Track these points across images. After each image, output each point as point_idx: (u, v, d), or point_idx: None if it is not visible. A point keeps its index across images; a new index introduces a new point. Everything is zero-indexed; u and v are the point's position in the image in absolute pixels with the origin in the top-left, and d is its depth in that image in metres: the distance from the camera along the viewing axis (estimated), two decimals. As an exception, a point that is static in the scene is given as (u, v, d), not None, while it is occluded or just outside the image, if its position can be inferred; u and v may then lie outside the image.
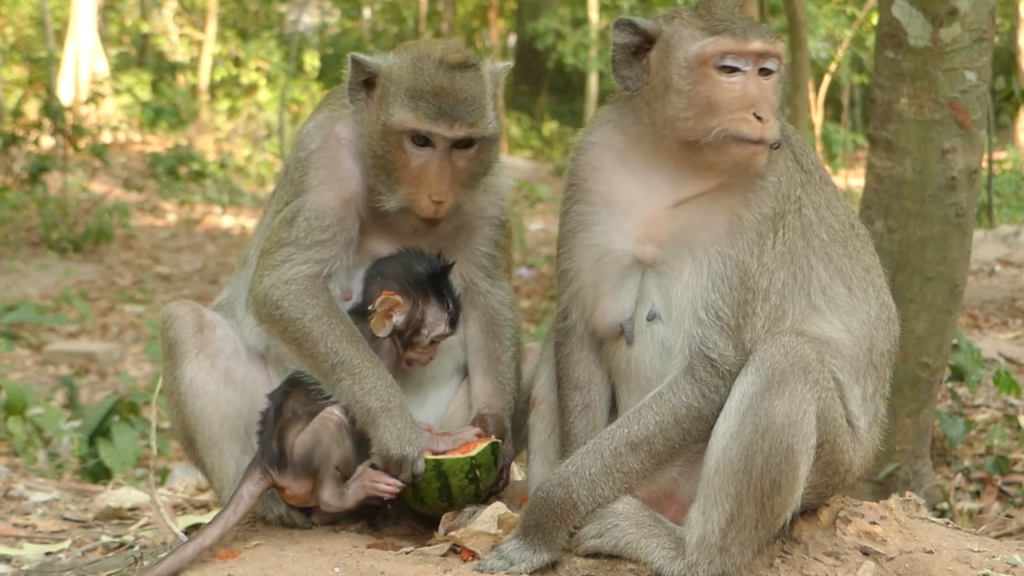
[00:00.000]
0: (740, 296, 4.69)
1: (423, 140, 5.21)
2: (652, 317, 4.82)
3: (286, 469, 5.04)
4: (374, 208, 5.37)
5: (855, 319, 4.90)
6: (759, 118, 4.61)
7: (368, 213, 5.40)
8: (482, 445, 5.14)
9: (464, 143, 5.25)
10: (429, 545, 5.00)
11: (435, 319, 5.26)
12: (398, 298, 5.17)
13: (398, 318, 5.20)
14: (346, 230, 5.36)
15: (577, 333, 5.11)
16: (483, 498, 5.19)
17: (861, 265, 4.98)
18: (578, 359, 5.11)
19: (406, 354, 5.29)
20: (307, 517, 5.30)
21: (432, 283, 5.26)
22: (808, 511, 4.89)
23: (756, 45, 4.66)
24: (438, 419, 5.54)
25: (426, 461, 5.03)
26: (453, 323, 5.30)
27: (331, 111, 5.57)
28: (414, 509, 5.26)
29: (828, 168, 5.22)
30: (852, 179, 28.62)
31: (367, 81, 5.34)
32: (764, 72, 4.70)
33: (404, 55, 5.31)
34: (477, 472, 5.08)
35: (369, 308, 5.19)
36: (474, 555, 4.87)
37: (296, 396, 5.13)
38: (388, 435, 4.99)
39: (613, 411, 5.12)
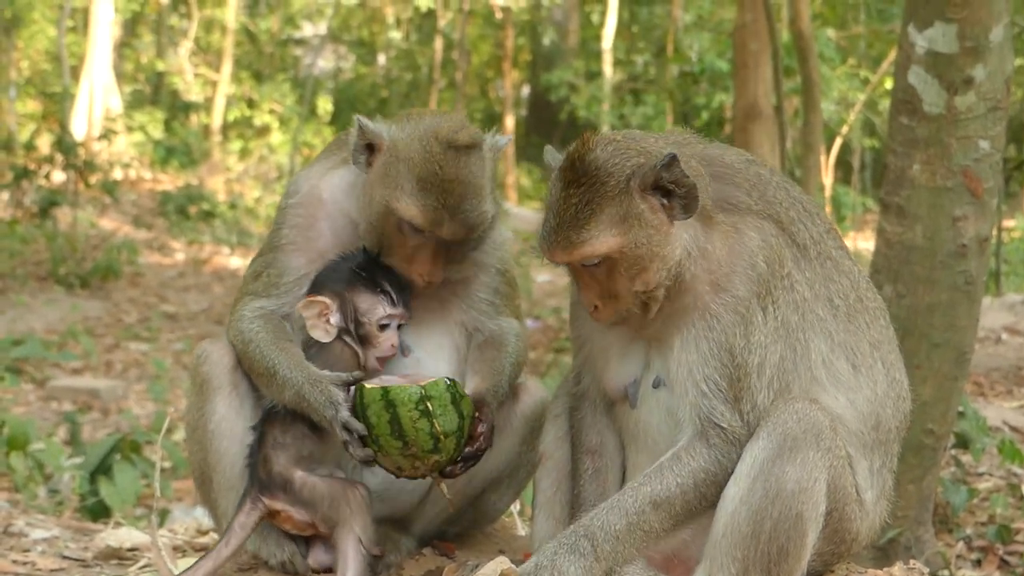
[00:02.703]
0: (732, 372, 4.66)
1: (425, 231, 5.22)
2: (658, 384, 4.81)
3: (278, 493, 5.03)
4: None
5: (860, 396, 4.86)
6: None
7: None
8: (435, 378, 5.03)
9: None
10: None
11: (369, 305, 5.20)
12: (322, 299, 5.17)
13: (333, 318, 5.18)
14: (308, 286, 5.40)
15: (590, 398, 5.09)
16: (446, 455, 5.00)
17: (868, 341, 4.92)
18: (591, 423, 5.09)
19: (368, 353, 5.24)
20: (304, 559, 5.26)
21: (357, 274, 5.23)
22: (812, 575, 4.87)
23: None
24: None
25: (373, 391, 4.94)
26: (395, 302, 5.24)
27: (325, 164, 5.61)
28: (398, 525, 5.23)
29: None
30: (861, 241, 28.64)
31: (370, 145, 5.33)
32: None
33: (409, 128, 5.28)
34: (428, 404, 4.90)
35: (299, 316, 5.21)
36: (475, 608, 4.86)
37: (272, 424, 5.13)
38: (314, 413, 5.04)
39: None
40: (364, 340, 5.24)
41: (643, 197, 4.62)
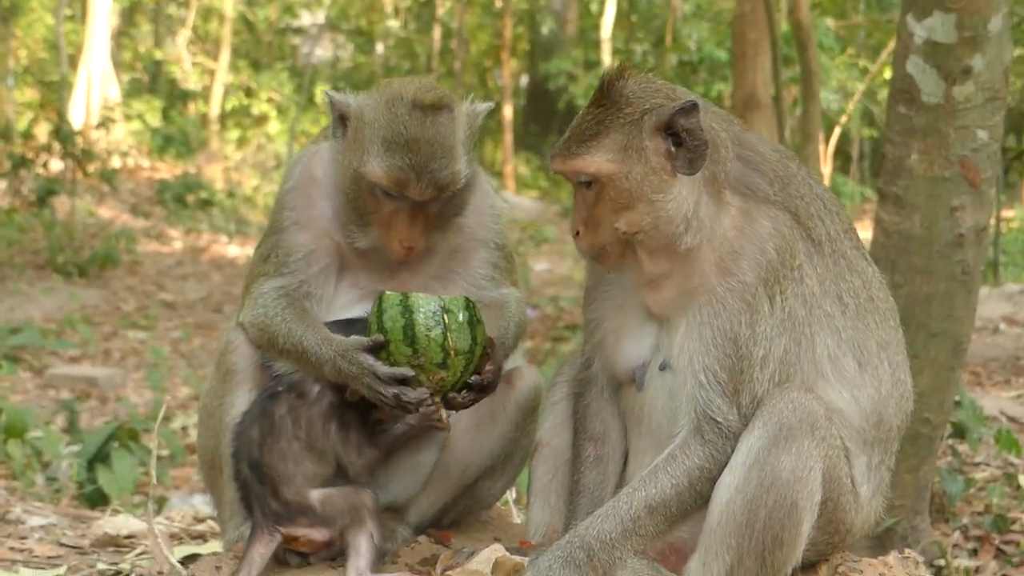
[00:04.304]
0: (734, 363, 4.65)
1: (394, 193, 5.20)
2: (664, 367, 4.80)
3: (299, 519, 4.98)
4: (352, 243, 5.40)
5: (864, 393, 4.84)
6: None
7: (348, 247, 5.41)
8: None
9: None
10: (427, 585, 4.99)
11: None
12: None
13: None
14: (317, 262, 5.40)
15: (598, 384, 5.09)
16: (453, 376, 4.98)
17: (875, 340, 4.90)
18: (596, 410, 5.09)
19: (374, 414, 5.16)
20: (304, 557, 5.24)
21: None
22: (806, 565, 4.87)
23: None
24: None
25: (393, 295, 4.96)
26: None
27: (314, 146, 5.61)
28: None
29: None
30: (858, 231, 28.58)
31: (343, 117, 5.33)
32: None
33: (376, 95, 5.29)
34: (445, 317, 4.92)
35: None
36: (470, 597, 4.86)
37: (269, 455, 5.02)
38: (352, 383, 5.01)
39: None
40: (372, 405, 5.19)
41: (652, 135, 4.63)
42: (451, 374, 4.97)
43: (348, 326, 5.17)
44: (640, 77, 4.75)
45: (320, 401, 5.09)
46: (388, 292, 4.99)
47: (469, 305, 4.99)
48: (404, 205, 5.20)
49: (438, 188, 5.17)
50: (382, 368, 4.93)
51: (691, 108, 4.60)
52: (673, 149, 4.64)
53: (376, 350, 4.96)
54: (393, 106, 5.20)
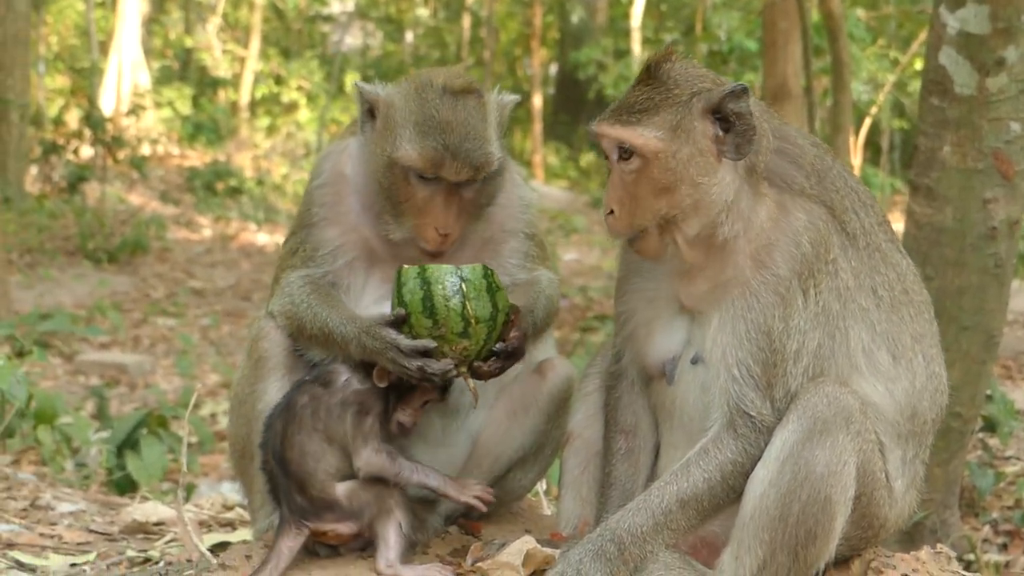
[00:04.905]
0: (768, 357, 4.64)
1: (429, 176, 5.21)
2: (696, 361, 4.79)
3: (325, 515, 4.97)
4: (384, 236, 5.39)
5: (898, 386, 4.82)
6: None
7: (379, 241, 5.42)
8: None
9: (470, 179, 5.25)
10: (458, 576, 4.98)
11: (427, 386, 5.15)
12: None
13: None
14: (344, 255, 5.43)
15: (629, 377, 5.08)
16: (476, 344, 4.98)
17: (910, 333, 4.88)
18: (627, 403, 5.09)
19: (396, 414, 5.14)
20: (333, 548, 5.22)
21: None
22: (839, 560, 4.85)
23: None
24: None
25: (410, 268, 4.97)
26: (444, 389, 5.21)
27: (343, 142, 5.62)
28: None
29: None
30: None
31: (371, 110, 5.36)
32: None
33: (406, 84, 5.33)
34: (463, 286, 4.92)
35: None
36: (500, 588, 4.85)
37: (290, 450, 5.00)
38: (377, 359, 5.02)
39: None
40: (401, 400, 5.14)
41: (702, 118, 4.64)
42: (474, 343, 4.97)
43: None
44: (685, 61, 4.76)
45: (344, 390, 5.07)
46: (406, 266, 5.00)
47: (488, 273, 4.99)
48: (439, 189, 5.21)
49: (473, 168, 5.19)
50: (404, 341, 4.94)
51: (741, 92, 4.61)
52: (721, 133, 4.64)
53: (398, 324, 4.97)
54: (423, 92, 5.23)
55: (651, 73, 4.72)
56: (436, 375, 4.94)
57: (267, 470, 5.10)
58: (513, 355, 5.11)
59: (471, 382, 5.05)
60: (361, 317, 5.13)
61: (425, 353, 4.93)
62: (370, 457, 5.00)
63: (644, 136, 4.63)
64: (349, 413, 5.03)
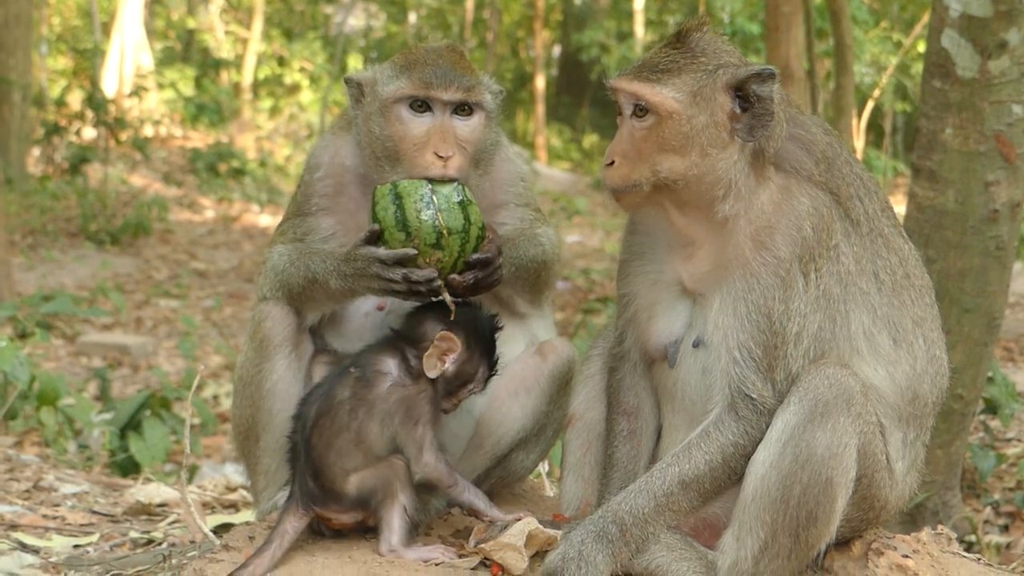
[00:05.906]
0: (768, 339, 4.65)
1: (422, 105, 5.29)
2: (698, 344, 4.80)
3: (331, 504, 4.99)
4: None
5: (899, 369, 4.83)
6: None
7: None
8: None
9: (463, 109, 5.32)
10: (460, 557, 4.98)
11: (480, 377, 5.20)
12: (458, 342, 5.11)
13: (450, 364, 5.11)
14: (335, 240, 5.49)
15: (631, 359, 5.10)
16: (449, 256, 5.05)
17: (911, 317, 4.89)
18: (629, 385, 5.10)
19: (440, 400, 5.14)
20: (337, 531, 5.22)
21: (489, 343, 5.22)
22: (840, 542, 4.86)
23: None
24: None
25: (383, 187, 5.11)
26: (486, 381, 5.26)
27: (340, 134, 5.68)
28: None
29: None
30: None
31: (360, 87, 5.46)
32: None
33: (389, 60, 5.49)
34: (435, 199, 5.03)
35: (424, 343, 5.11)
36: (503, 569, 4.86)
37: (321, 431, 5.00)
38: (363, 281, 5.13)
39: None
40: (449, 392, 5.18)
41: (724, 91, 4.67)
42: (447, 254, 5.06)
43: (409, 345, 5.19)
44: (716, 35, 4.79)
45: (386, 399, 5.06)
46: (379, 185, 5.12)
47: (460, 188, 5.11)
48: (434, 119, 5.28)
49: (464, 89, 5.29)
50: (383, 251, 5.04)
51: (768, 76, 4.63)
52: (738, 111, 4.66)
53: (373, 240, 5.09)
54: (407, 51, 5.44)
55: (680, 38, 4.75)
56: (421, 283, 5.03)
57: (292, 442, 5.12)
58: (487, 265, 5.17)
59: (447, 297, 5.10)
60: (337, 250, 5.26)
61: (407, 263, 5.01)
62: (434, 464, 5.06)
63: (663, 95, 4.65)
64: (395, 420, 5.03)
